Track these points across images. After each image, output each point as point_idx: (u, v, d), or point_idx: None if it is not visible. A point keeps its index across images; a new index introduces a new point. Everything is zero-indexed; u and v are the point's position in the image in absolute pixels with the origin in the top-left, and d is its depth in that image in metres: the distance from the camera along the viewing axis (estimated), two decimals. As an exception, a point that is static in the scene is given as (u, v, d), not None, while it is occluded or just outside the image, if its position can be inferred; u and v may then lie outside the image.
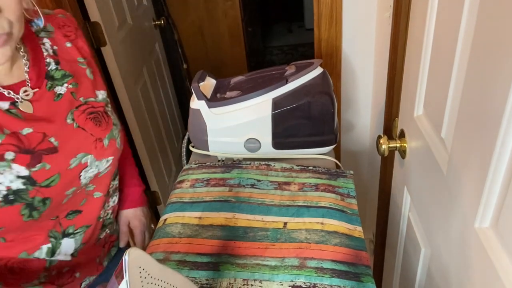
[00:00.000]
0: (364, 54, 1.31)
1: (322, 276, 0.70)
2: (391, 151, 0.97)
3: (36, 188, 0.61)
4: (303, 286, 0.69)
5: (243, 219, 0.84)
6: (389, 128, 0.98)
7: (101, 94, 0.77)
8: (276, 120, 0.96)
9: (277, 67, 1.09)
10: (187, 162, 1.09)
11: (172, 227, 0.84)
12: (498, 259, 0.48)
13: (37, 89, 0.65)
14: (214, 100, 1.00)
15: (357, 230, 0.81)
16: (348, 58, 1.33)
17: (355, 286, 0.69)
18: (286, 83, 0.96)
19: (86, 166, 0.70)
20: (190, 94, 1.03)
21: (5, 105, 0.60)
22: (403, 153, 0.87)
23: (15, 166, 0.58)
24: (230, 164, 1.01)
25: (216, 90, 1.06)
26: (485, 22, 0.47)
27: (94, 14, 1.39)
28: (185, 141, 1.15)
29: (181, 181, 0.99)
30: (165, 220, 0.87)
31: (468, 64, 0.52)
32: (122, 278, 0.43)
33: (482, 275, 0.51)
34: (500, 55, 0.43)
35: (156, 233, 0.85)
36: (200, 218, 0.85)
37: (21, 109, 0.61)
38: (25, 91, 0.63)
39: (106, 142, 0.73)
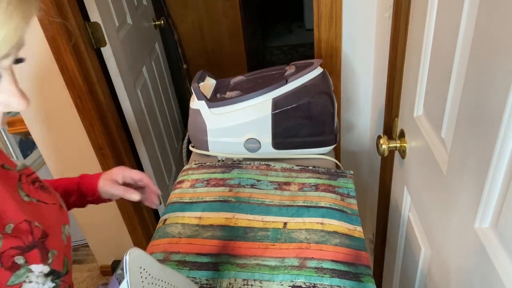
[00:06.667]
0: (364, 54, 1.31)
1: (322, 276, 0.70)
2: (391, 151, 0.97)
3: (62, 279, 0.53)
4: (303, 286, 0.69)
5: (243, 219, 0.84)
6: (389, 128, 0.98)
7: (17, 161, 0.63)
8: (276, 120, 0.97)
9: (277, 67, 1.09)
10: (187, 162, 1.09)
11: (172, 227, 0.84)
12: (498, 259, 0.48)
13: None
14: (214, 100, 1.00)
15: (357, 230, 0.81)
16: (348, 58, 1.33)
17: (355, 286, 0.69)
18: (286, 83, 0.96)
19: (70, 238, 0.61)
20: (190, 94, 1.03)
21: None
22: (403, 153, 0.87)
23: (34, 267, 0.49)
24: (230, 164, 1.02)
25: (216, 90, 1.06)
26: (485, 22, 0.47)
27: (94, 14, 1.39)
28: (185, 141, 1.15)
29: (181, 181, 0.99)
30: (165, 220, 0.87)
31: (468, 64, 0.52)
32: (123, 278, 0.43)
33: (482, 275, 0.51)
34: (500, 55, 0.43)
35: (156, 233, 0.85)
36: (200, 218, 0.85)
37: None
38: None
39: (64, 205, 0.63)
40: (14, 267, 0.46)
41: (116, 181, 0.75)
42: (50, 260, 0.51)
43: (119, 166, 0.77)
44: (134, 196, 0.73)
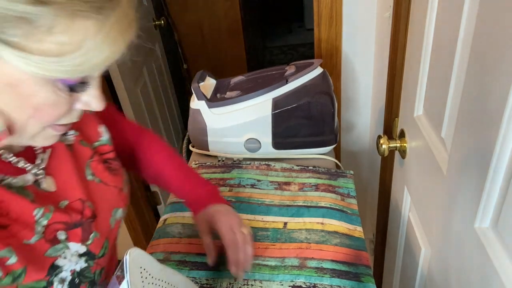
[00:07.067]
0: (364, 54, 1.31)
1: (322, 276, 0.70)
2: (391, 151, 0.97)
3: (96, 261, 0.55)
4: (303, 286, 0.69)
5: (243, 219, 0.84)
6: (389, 128, 0.98)
7: (105, 132, 0.64)
8: (276, 120, 0.96)
9: (277, 67, 1.09)
10: (187, 162, 1.09)
11: (172, 227, 0.84)
12: (498, 259, 0.48)
13: (50, 148, 0.54)
14: (214, 100, 1.00)
15: (357, 230, 0.81)
16: (348, 58, 1.33)
17: (355, 286, 0.69)
18: (286, 83, 0.96)
19: (120, 220, 0.63)
20: (190, 94, 1.03)
21: (29, 178, 0.50)
22: (403, 153, 0.87)
23: (72, 245, 0.51)
24: (230, 164, 1.01)
25: (216, 90, 1.06)
26: (485, 22, 0.47)
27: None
28: (185, 141, 1.15)
29: (181, 181, 0.99)
30: (165, 220, 0.87)
31: (468, 64, 0.52)
32: (123, 278, 0.43)
33: (482, 275, 0.51)
34: (500, 55, 0.43)
35: (156, 233, 0.85)
36: (200, 218, 0.85)
37: (44, 187, 0.51)
38: (42, 159, 0.52)
39: (125, 189, 0.65)
40: (54, 241, 0.49)
41: (211, 229, 0.70)
42: (89, 242, 0.53)
43: (233, 217, 0.70)
44: (210, 261, 0.71)
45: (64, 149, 0.56)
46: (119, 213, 0.62)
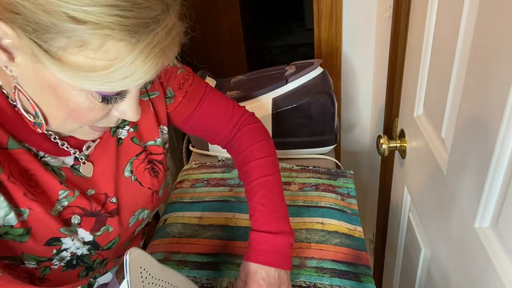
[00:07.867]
0: (364, 54, 1.31)
1: (322, 276, 0.70)
2: (391, 151, 0.97)
3: (99, 252, 0.57)
4: (303, 285, 0.69)
5: (243, 219, 0.84)
6: (389, 128, 0.98)
7: (162, 133, 0.65)
8: (276, 120, 0.97)
9: (277, 67, 1.09)
10: (187, 162, 1.09)
11: (172, 227, 0.84)
12: (498, 259, 0.48)
13: (99, 139, 0.57)
14: (214, 100, 1.00)
15: (357, 230, 0.81)
16: (348, 58, 1.33)
17: (355, 286, 0.69)
18: (286, 83, 0.96)
19: (143, 221, 0.64)
20: (190, 94, 1.03)
21: (68, 161, 0.53)
22: (403, 153, 0.87)
23: (80, 231, 0.53)
24: (230, 164, 1.02)
25: (216, 90, 1.06)
26: (485, 22, 0.47)
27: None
28: (185, 141, 1.15)
29: (181, 181, 0.99)
30: (165, 220, 0.87)
31: (468, 64, 0.52)
32: (123, 278, 0.43)
33: (482, 275, 0.51)
34: (500, 54, 0.43)
35: (156, 233, 0.85)
36: (200, 218, 0.85)
37: (82, 171, 0.55)
38: (88, 146, 0.55)
39: (160, 192, 0.65)
40: (67, 223, 0.52)
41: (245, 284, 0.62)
42: (98, 233, 0.55)
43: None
44: None
45: (112, 142, 0.58)
46: (144, 214, 0.63)
